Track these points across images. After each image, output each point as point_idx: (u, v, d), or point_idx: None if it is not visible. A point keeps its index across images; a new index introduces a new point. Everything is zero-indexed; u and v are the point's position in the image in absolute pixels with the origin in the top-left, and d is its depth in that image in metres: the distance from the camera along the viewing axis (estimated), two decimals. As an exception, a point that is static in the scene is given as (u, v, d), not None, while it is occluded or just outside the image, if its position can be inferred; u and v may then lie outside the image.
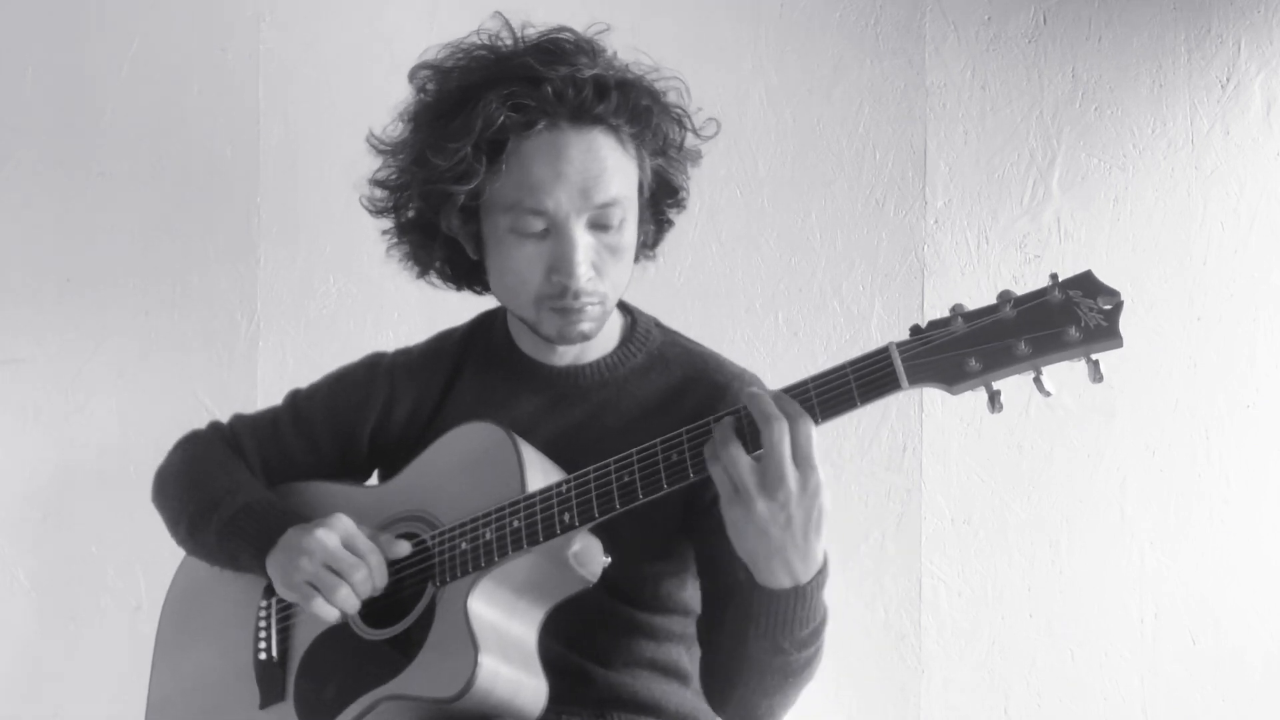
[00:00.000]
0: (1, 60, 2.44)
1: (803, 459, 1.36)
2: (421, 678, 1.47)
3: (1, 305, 2.42)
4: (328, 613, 1.51)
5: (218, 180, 2.43)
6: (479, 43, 1.59)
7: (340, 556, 1.51)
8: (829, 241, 2.36)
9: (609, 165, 1.52)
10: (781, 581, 1.42)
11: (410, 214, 1.65)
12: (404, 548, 1.54)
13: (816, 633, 1.48)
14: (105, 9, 2.43)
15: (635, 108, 1.55)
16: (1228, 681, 2.31)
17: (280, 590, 1.57)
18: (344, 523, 1.54)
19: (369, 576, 1.51)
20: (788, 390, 1.40)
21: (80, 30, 2.43)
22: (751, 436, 1.39)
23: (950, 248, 2.34)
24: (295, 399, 1.79)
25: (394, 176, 1.64)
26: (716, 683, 1.57)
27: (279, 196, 2.42)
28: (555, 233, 1.53)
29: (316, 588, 1.51)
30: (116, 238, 2.42)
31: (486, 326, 1.76)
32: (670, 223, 1.71)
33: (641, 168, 1.58)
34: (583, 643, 1.62)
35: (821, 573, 1.44)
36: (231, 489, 1.66)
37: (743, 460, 1.37)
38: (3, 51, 2.44)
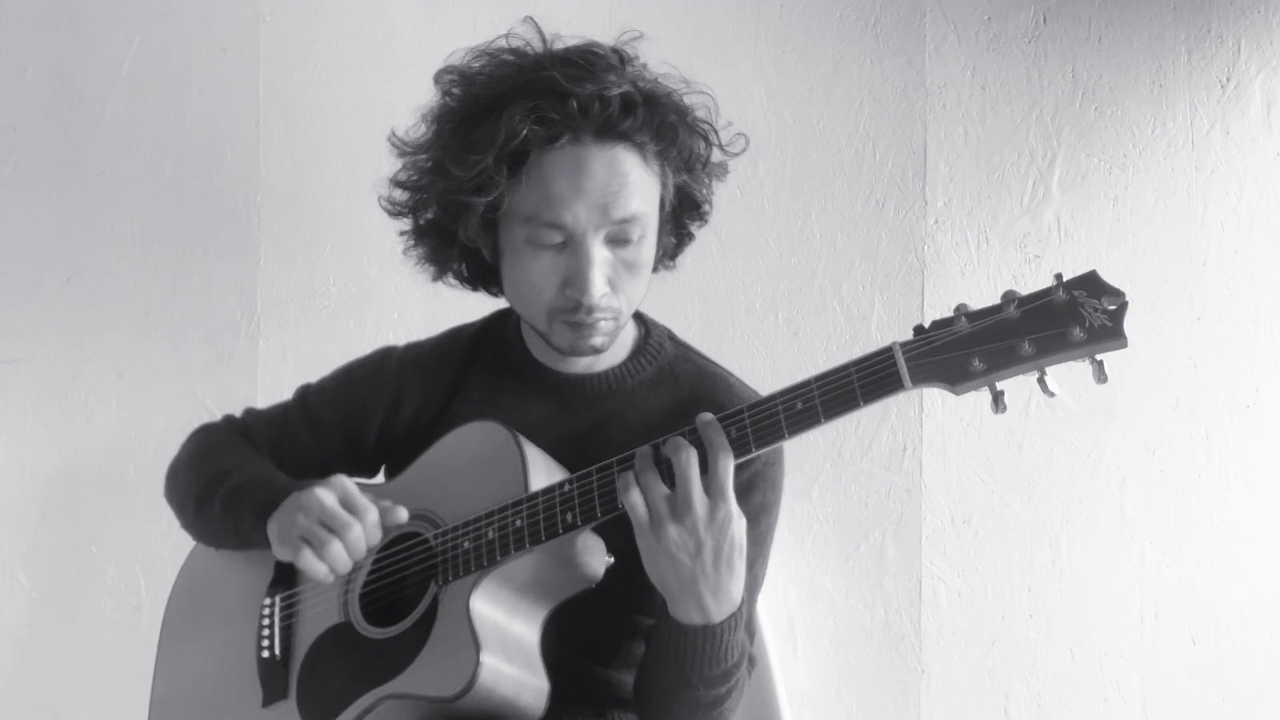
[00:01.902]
0: (1, 60, 2.44)
1: (715, 490, 1.40)
2: (423, 677, 1.47)
3: (1, 305, 2.42)
4: (316, 568, 1.50)
5: (218, 180, 2.42)
6: (506, 47, 1.58)
7: (335, 513, 1.50)
8: (829, 241, 2.35)
9: (630, 181, 1.52)
10: (693, 617, 1.45)
11: (428, 217, 1.64)
12: (402, 514, 1.53)
13: (728, 674, 1.50)
14: (105, 9, 2.43)
15: (661, 125, 1.54)
16: (1228, 681, 2.31)
17: (276, 549, 1.56)
18: (342, 482, 1.53)
19: (362, 535, 1.50)
20: (789, 391, 1.41)
21: (80, 30, 2.43)
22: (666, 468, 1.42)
23: (950, 248, 2.33)
24: (305, 394, 1.79)
25: (414, 178, 1.63)
26: (637, 701, 1.60)
27: (279, 196, 2.42)
28: (572, 247, 1.52)
29: (309, 543, 1.50)
30: (116, 238, 2.42)
31: (499, 326, 1.76)
32: (691, 236, 1.70)
33: (664, 184, 1.58)
34: (584, 642, 1.62)
35: (736, 615, 1.46)
36: (239, 465, 1.67)
37: (658, 487, 1.41)
38: (2, 51, 2.43)
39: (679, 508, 1.40)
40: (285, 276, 2.42)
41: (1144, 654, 2.32)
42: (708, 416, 1.42)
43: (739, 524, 1.42)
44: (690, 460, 1.40)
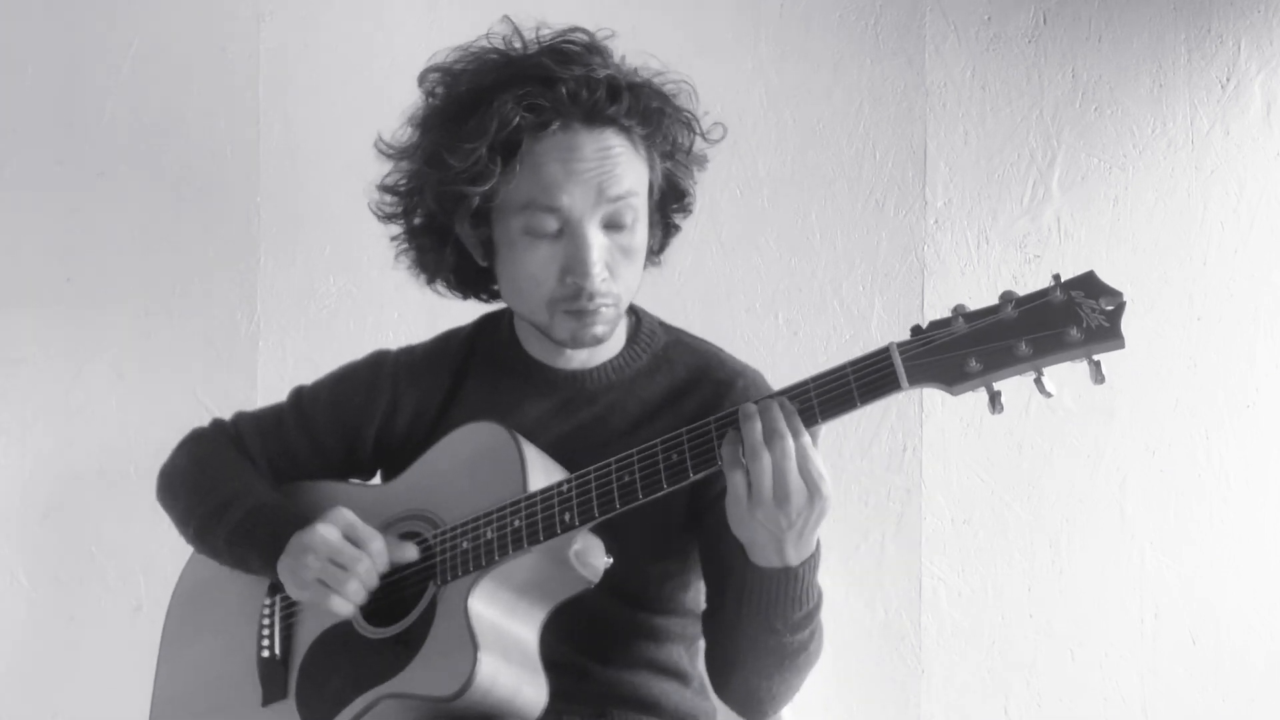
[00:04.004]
0: (1, 60, 2.44)
1: (811, 477, 1.39)
2: (421, 676, 1.47)
3: (1, 305, 2.42)
4: (342, 608, 1.52)
5: (218, 180, 2.42)
6: (489, 46, 1.59)
7: (342, 549, 1.52)
8: (829, 241, 2.36)
9: (622, 163, 1.53)
10: (772, 561, 1.44)
11: (420, 219, 1.65)
12: (411, 551, 1.55)
13: (809, 617, 1.49)
14: (105, 9, 2.43)
15: (647, 110, 1.56)
16: (1228, 681, 2.31)
17: (294, 593, 1.57)
18: (343, 515, 1.54)
19: (372, 566, 1.52)
20: (786, 391, 1.41)
21: (80, 30, 2.43)
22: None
23: (950, 248, 2.34)
24: (299, 397, 1.79)
25: (403, 181, 1.64)
26: (717, 666, 1.59)
27: (279, 196, 2.42)
28: (569, 232, 1.53)
29: (326, 584, 1.51)
30: (116, 238, 2.42)
31: (492, 328, 1.76)
32: (677, 228, 1.71)
33: (652, 169, 1.59)
34: (584, 642, 1.62)
35: (813, 556, 1.46)
36: (239, 493, 1.67)
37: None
38: (3, 52, 2.43)
39: (780, 496, 1.39)
40: (285, 277, 2.42)
41: (1144, 654, 2.32)
42: (763, 402, 1.41)
43: (829, 499, 1.40)
44: (784, 455, 1.38)
